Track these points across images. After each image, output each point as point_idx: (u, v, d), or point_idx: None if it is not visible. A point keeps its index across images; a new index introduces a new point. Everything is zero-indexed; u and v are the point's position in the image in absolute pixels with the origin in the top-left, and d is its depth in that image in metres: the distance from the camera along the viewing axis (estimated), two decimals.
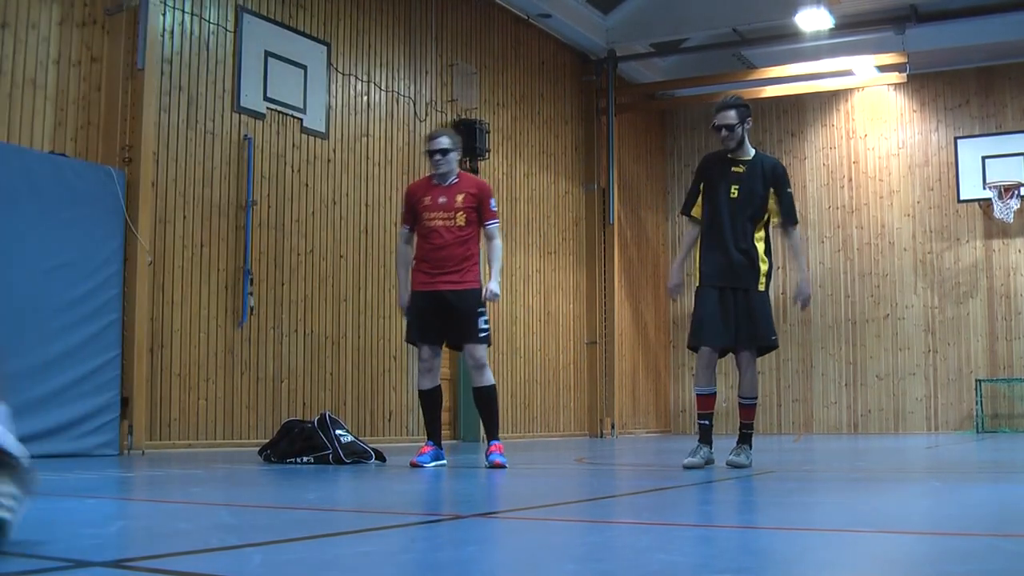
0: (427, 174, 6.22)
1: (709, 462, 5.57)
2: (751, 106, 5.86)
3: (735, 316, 5.57)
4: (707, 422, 5.67)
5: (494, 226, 6.08)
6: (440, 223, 5.96)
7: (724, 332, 5.58)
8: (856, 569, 2.21)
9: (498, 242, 6.10)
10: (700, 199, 5.79)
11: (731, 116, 5.65)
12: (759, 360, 5.84)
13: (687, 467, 5.49)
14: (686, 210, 5.88)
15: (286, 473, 5.42)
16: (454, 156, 6.04)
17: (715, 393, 5.73)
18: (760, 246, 5.64)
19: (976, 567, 2.15)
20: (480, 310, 5.97)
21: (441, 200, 5.98)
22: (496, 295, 5.97)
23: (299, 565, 2.16)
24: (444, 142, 6.01)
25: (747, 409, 5.78)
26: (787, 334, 15.69)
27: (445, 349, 6.27)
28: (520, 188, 12.91)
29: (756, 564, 2.23)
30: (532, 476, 5.49)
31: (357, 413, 10.05)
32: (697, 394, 5.75)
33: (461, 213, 5.96)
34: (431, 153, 6.04)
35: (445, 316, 5.96)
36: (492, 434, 6.08)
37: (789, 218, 5.73)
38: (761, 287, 5.60)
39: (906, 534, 2.87)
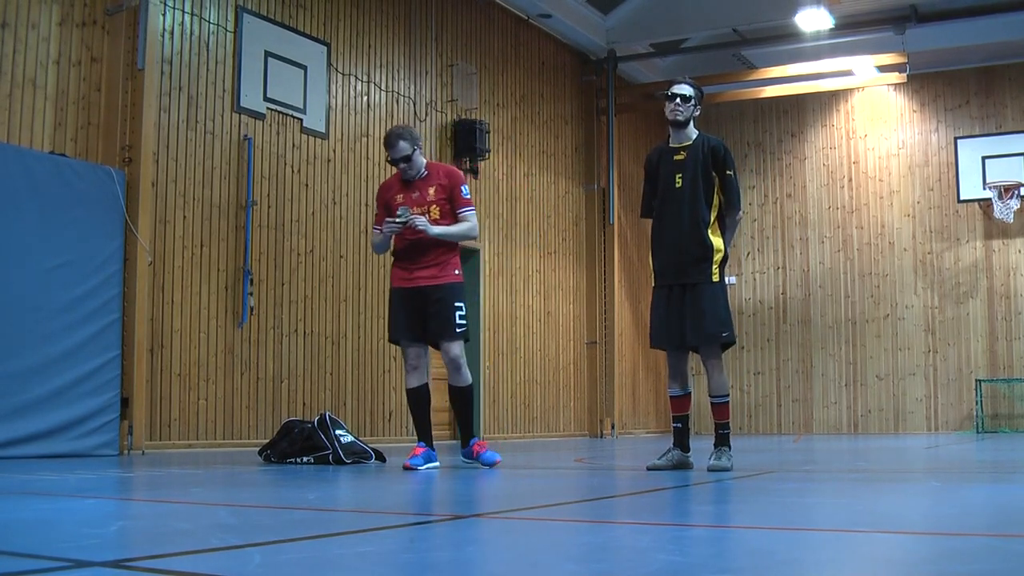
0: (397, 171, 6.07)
1: (680, 465, 5.45)
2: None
3: (683, 315, 5.44)
4: (679, 424, 5.57)
5: (467, 213, 5.92)
6: None
7: (668, 335, 5.49)
8: (856, 569, 2.21)
9: (471, 224, 5.92)
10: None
11: (687, 88, 5.61)
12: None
13: (650, 469, 5.44)
14: (644, 213, 5.77)
15: (286, 473, 5.42)
16: (417, 156, 5.90)
17: (687, 395, 5.59)
18: (713, 235, 5.47)
19: (976, 567, 2.15)
20: (457, 304, 5.86)
21: (414, 195, 5.90)
22: (422, 226, 5.73)
23: (299, 565, 2.16)
24: (404, 148, 5.85)
25: (718, 408, 5.54)
26: (787, 334, 15.71)
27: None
28: (520, 188, 12.91)
29: (756, 564, 2.23)
30: (531, 476, 5.48)
31: (357, 413, 10.05)
32: (669, 396, 5.71)
33: (435, 206, 5.88)
34: (395, 162, 5.92)
35: (423, 311, 5.87)
36: (472, 432, 6.04)
37: (731, 206, 5.53)
38: (715, 277, 5.43)
39: (906, 534, 2.87)
